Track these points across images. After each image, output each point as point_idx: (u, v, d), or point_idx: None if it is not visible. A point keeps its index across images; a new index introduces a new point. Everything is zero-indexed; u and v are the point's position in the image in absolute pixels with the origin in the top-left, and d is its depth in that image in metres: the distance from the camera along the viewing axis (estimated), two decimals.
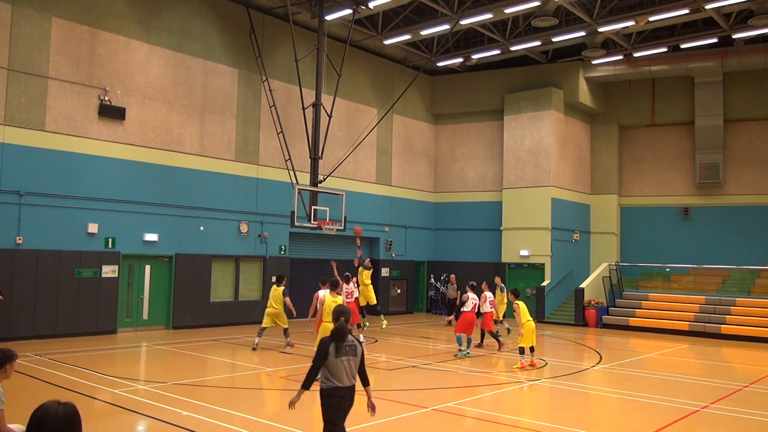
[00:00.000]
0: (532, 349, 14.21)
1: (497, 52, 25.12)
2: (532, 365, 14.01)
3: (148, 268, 19.23)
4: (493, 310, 17.16)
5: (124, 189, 18.42)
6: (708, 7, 20.38)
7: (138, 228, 18.75)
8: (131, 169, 18.61)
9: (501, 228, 26.89)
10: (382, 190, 26.43)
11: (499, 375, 13.69)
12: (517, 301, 14.53)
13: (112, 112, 18.09)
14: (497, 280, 20.13)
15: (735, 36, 23.22)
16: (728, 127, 26.27)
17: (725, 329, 21.41)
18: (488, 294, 17.11)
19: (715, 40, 23.89)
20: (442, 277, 28.03)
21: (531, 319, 14.41)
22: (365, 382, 6.29)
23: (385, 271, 26.33)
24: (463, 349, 15.45)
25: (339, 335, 6.02)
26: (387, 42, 24.22)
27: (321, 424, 6.16)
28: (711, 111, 26.01)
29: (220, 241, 20.76)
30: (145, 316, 19.20)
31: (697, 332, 21.73)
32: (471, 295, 15.87)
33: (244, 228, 21.25)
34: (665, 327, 22.24)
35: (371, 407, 6.28)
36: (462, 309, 15.66)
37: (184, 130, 19.95)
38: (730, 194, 26.40)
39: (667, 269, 26.35)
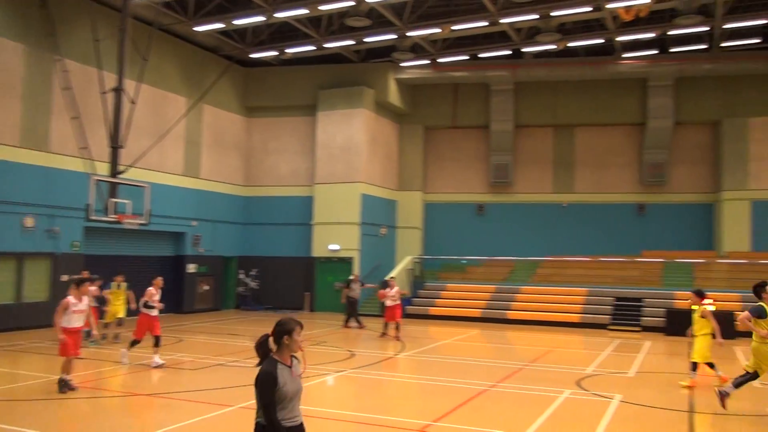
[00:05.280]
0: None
1: (312, 48, 25.30)
2: None
3: None
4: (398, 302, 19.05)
5: None
6: (502, 21, 22.33)
7: None
8: None
9: (312, 223, 27.19)
10: (189, 183, 25.36)
11: (306, 368, 13.86)
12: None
13: None
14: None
15: (524, 50, 25.74)
16: (518, 132, 29.05)
17: (510, 315, 23.71)
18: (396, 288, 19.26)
19: (508, 52, 26.24)
20: (250, 272, 27.68)
21: None
22: None
23: (191, 268, 25.33)
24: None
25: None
26: (198, 29, 23.27)
27: None
28: (503, 116, 28.58)
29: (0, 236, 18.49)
30: None
31: (488, 318, 23.79)
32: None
33: (29, 222, 19.09)
34: (461, 315, 24.07)
35: None
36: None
37: None
38: (518, 192, 29.26)
39: (464, 261, 28.55)
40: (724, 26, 22.94)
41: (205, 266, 26.01)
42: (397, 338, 18.25)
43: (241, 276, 27.85)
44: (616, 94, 27.80)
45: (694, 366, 12.13)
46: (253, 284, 27.67)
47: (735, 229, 26.07)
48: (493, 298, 25.09)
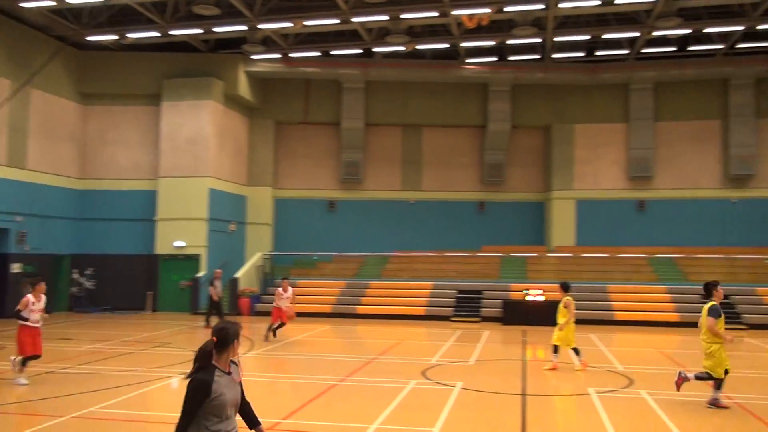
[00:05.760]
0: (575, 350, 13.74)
1: (156, 34, 24.00)
2: None
3: None
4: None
5: None
6: (354, 20, 22.62)
7: None
8: None
9: (155, 218, 25.85)
10: (13, 174, 22.98)
11: (147, 372, 13.17)
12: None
13: None
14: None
15: (375, 49, 26.29)
16: (368, 130, 29.61)
17: (360, 309, 24.16)
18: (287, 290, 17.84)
19: (360, 51, 26.64)
20: (85, 272, 25.73)
21: None
22: None
23: (16, 267, 23.01)
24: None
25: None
26: (25, 5, 21.18)
27: None
28: (354, 114, 29.00)
29: None
30: None
31: (338, 314, 24.06)
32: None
33: None
34: (312, 311, 24.10)
35: None
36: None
37: None
38: (368, 189, 29.86)
39: (315, 257, 28.63)
40: (555, 39, 24.98)
41: (32, 265, 23.71)
42: (267, 338, 17.66)
43: (75, 275, 25.80)
44: (460, 97, 29.25)
45: (556, 349, 13.31)
46: (88, 284, 25.75)
47: (562, 226, 28.51)
48: (344, 293, 25.40)
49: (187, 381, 4.18)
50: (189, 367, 4.29)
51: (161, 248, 25.75)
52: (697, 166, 28.00)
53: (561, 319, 13.29)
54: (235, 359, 4.38)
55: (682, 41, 25.99)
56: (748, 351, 17.27)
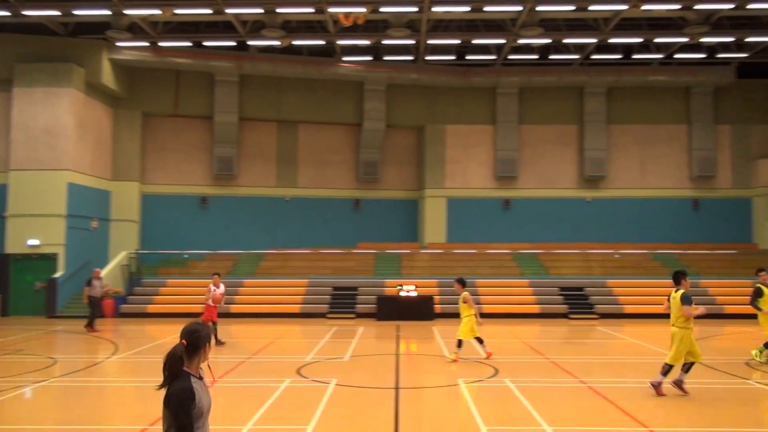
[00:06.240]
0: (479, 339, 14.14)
1: (6, 13, 22.00)
2: None
3: None
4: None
5: None
6: (228, 11, 22.01)
7: None
8: None
9: (5, 214, 23.73)
10: None
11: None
12: None
13: None
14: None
15: (250, 42, 25.74)
16: (242, 125, 28.95)
17: (234, 308, 23.59)
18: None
19: (233, 43, 25.96)
20: None
21: None
22: None
23: None
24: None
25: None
26: None
27: None
28: (228, 108, 28.23)
29: None
30: None
31: None
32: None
33: None
34: (182, 311, 23.14)
35: None
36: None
37: None
38: (242, 186, 29.21)
39: (186, 255, 27.58)
40: (428, 41, 25.74)
41: None
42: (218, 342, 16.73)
43: None
44: (336, 95, 29.36)
45: (459, 343, 13.80)
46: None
47: (434, 223, 29.46)
48: None
49: (165, 394, 3.90)
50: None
51: (13, 247, 23.66)
52: (557, 167, 29.99)
53: (465, 313, 13.86)
54: (202, 364, 4.15)
55: (544, 50, 27.73)
56: (600, 338, 18.78)
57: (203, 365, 4.17)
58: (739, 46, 26.55)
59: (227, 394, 10.79)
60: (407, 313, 22.36)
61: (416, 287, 23.11)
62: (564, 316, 23.40)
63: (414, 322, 21.72)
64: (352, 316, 23.49)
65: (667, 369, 10.22)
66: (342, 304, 24.18)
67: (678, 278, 10.41)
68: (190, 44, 25.99)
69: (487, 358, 13.84)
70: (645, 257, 27.73)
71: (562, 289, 24.96)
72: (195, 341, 4.03)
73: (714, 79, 28.92)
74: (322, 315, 23.58)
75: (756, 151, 29.74)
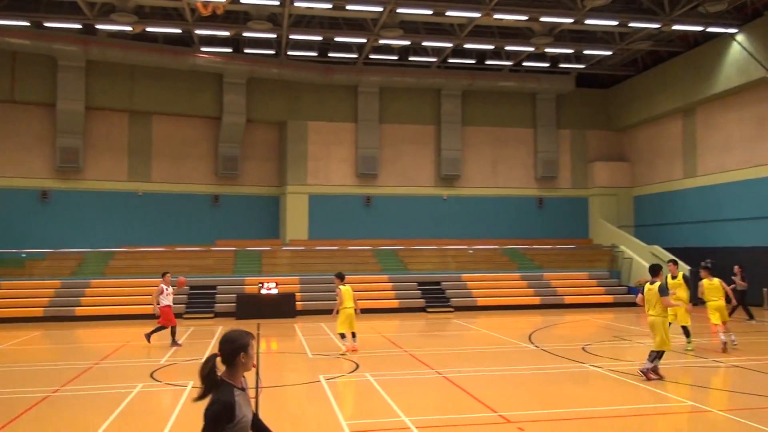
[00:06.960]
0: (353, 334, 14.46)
1: None
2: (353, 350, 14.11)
3: None
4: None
5: None
6: None
7: None
8: None
9: None
10: None
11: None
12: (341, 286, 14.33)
13: None
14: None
15: (98, 26, 24.04)
16: (90, 114, 27.01)
17: (80, 311, 22.02)
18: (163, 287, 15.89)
19: (80, 26, 24.12)
20: None
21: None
22: None
23: None
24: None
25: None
26: None
27: None
28: (73, 96, 26.20)
29: None
30: None
31: (52, 317, 21.61)
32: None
33: None
34: (18, 315, 21.30)
35: None
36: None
37: None
38: (89, 179, 27.26)
39: (23, 255, 25.26)
40: (290, 36, 25.50)
41: None
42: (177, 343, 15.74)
43: None
44: (194, 86, 28.23)
45: (342, 335, 14.23)
46: None
47: (296, 220, 29.27)
48: (59, 294, 22.87)
49: (206, 405, 3.55)
50: None
51: None
52: (416, 166, 30.95)
53: (344, 305, 14.28)
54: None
55: (404, 52, 28.50)
56: (455, 330, 19.66)
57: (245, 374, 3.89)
58: (577, 57, 28.90)
59: (72, 402, 10.04)
60: (268, 311, 22.05)
61: (277, 284, 22.85)
62: (422, 309, 24.22)
63: (275, 320, 21.46)
64: (211, 315, 22.76)
65: (654, 355, 10.74)
66: (200, 303, 23.35)
67: (656, 270, 10.87)
68: (27, 24, 23.79)
69: (348, 353, 14.01)
70: (495, 252, 29.41)
71: (420, 283, 25.81)
72: (227, 351, 3.77)
73: (556, 86, 31.29)
74: (178, 315, 22.52)
75: (592, 155, 32.56)
